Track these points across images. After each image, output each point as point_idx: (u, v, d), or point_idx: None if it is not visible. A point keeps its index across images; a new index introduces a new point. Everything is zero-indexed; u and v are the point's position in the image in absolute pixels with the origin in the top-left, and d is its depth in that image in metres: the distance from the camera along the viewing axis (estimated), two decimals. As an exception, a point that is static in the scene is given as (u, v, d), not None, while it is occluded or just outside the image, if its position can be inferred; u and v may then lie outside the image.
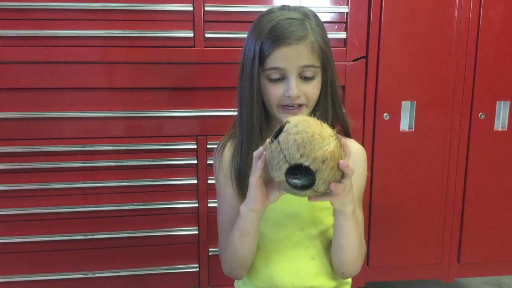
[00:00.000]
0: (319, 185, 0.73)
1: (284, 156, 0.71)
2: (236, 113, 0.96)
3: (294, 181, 0.75)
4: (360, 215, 0.95)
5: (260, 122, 0.91)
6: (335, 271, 0.96)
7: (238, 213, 0.87)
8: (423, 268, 1.69)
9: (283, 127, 0.75)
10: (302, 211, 0.94)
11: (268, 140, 0.76)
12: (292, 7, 0.92)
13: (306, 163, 0.71)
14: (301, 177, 0.75)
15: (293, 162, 0.71)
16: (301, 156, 0.71)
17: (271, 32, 0.85)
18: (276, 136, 0.75)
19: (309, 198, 0.76)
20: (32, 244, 1.49)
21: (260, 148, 0.80)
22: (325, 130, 0.74)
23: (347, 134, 0.99)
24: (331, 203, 0.82)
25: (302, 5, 1.47)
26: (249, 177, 0.82)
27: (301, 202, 0.93)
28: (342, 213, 0.84)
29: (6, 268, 1.49)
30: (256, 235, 0.89)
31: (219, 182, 0.98)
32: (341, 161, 0.73)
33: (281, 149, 0.72)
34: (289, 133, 0.73)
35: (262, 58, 0.87)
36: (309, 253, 0.95)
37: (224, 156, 0.96)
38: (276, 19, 0.87)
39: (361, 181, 0.97)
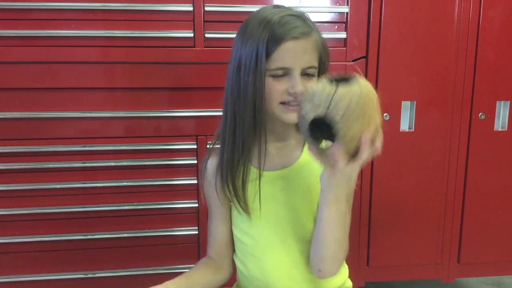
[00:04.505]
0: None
1: (328, 107, 0.67)
2: (224, 121, 0.95)
3: (317, 134, 0.71)
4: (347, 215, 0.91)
5: (261, 125, 0.89)
6: (312, 269, 0.91)
7: (224, 222, 0.94)
8: (423, 268, 1.69)
9: (350, 78, 0.70)
10: (296, 215, 0.93)
11: (328, 78, 0.72)
12: (283, 6, 0.89)
13: (337, 133, 0.67)
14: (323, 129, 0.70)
15: (327, 120, 0.68)
16: (338, 122, 0.66)
17: (276, 29, 0.83)
18: (339, 80, 0.70)
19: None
20: (32, 244, 1.49)
21: None
22: (377, 119, 0.69)
23: None
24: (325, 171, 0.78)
25: (302, 4, 1.49)
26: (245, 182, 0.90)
27: (294, 207, 0.93)
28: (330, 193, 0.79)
29: (6, 268, 1.49)
30: None
31: (208, 195, 1.00)
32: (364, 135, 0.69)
33: (332, 99, 0.67)
34: (351, 89, 0.67)
35: (266, 57, 0.84)
36: (304, 257, 0.94)
37: (207, 169, 0.99)
38: (277, 16, 0.84)
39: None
